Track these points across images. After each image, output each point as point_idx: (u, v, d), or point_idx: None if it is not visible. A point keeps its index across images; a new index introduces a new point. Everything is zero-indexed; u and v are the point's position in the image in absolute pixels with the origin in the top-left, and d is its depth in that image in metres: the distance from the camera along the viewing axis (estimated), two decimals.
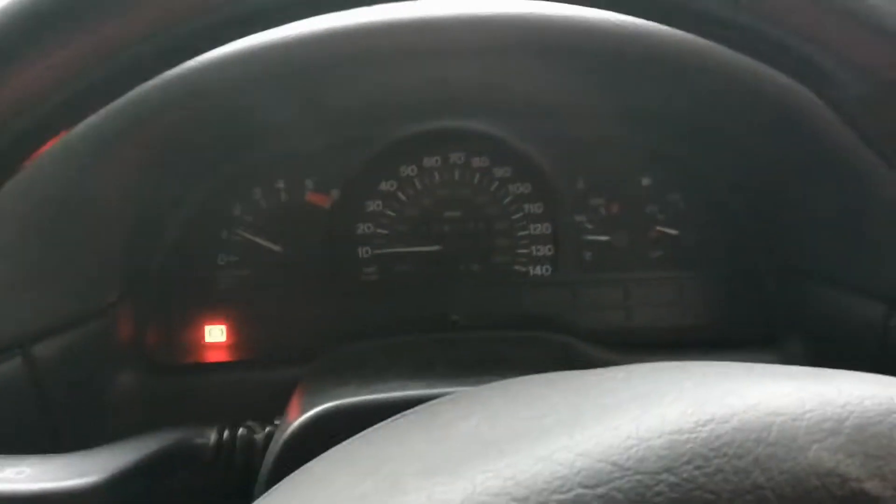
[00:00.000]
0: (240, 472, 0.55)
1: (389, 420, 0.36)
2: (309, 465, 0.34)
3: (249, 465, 0.55)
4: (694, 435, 0.23)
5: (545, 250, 0.95)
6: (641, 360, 0.36)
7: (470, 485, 0.23)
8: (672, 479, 0.22)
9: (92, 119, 0.30)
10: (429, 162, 0.95)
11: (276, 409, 0.60)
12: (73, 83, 0.27)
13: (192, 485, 0.55)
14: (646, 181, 0.95)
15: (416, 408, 0.36)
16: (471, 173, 0.95)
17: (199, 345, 0.91)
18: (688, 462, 0.22)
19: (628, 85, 0.80)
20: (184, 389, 0.83)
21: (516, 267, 0.95)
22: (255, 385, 0.83)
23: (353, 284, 0.94)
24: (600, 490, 0.22)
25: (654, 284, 0.94)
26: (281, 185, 0.93)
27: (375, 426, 0.36)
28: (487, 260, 0.95)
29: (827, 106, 0.32)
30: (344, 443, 0.35)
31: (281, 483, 0.33)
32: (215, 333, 0.91)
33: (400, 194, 0.95)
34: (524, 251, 0.95)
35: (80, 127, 0.30)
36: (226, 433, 0.56)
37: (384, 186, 0.94)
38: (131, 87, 0.30)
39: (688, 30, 0.33)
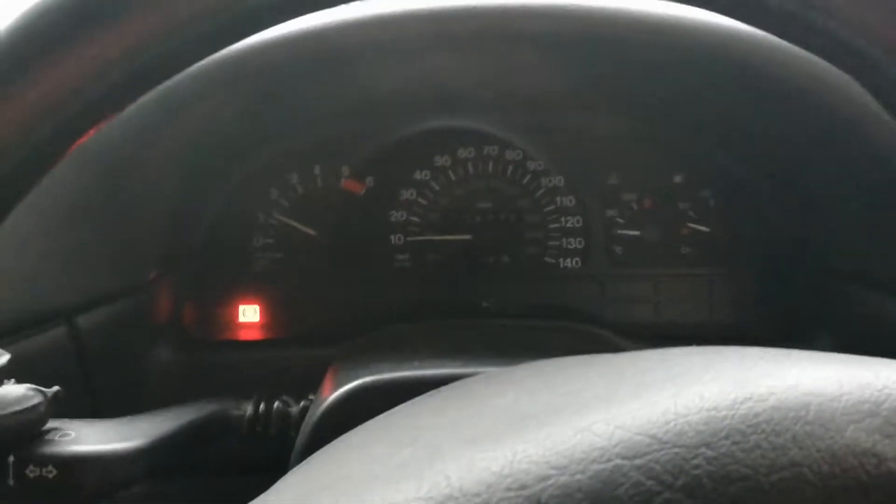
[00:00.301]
0: (275, 443, 0.56)
1: (426, 395, 0.37)
2: (347, 435, 0.34)
3: (285, 436, 0.56)
4: (732, 412, 0.23)
5: (576, 243, 0.95)
6: None
7: (510, 452, 0.24)
8: (710, 453, 0.22)
9: (154, 92, 0.31)
10: (463, 153, 0.96)
11: (308, 386, 0.61)
12: (132, 60, 0.28)
13: (228, 453, 0.56)
14: (678, 178, 0.95)
15: (452, 384, 0.37)
16: (504, 165, 0.96)
17: (234, 323, 0.93)
18: (725, 437, 0.22)
19: (662, 81, 0.80)
20: (218, 365, 0.85)
21: (546, 259, 0.96)
22: (288, 363, 0.85)
23: (385, 270, 0.95)
24: (638, 461, 0.22)
25: (684, 280, 0.94)
26: (317, 171, 0.95)
27: (412, 400, 0.37)
28: (518, 251, 0.95)
29: (867, 92, 0.32)
30: (381, 415, 0.36)
31: (319, 452, 0.34)
32: (249, 313, 0.93)
33: (433, 184, 0.95)
34: (555, 243, 0.96)
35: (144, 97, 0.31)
36: (262, 406, 0.58)
37: (418, 175, 0.95)
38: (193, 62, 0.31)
39: (723, 12, 0.33)
